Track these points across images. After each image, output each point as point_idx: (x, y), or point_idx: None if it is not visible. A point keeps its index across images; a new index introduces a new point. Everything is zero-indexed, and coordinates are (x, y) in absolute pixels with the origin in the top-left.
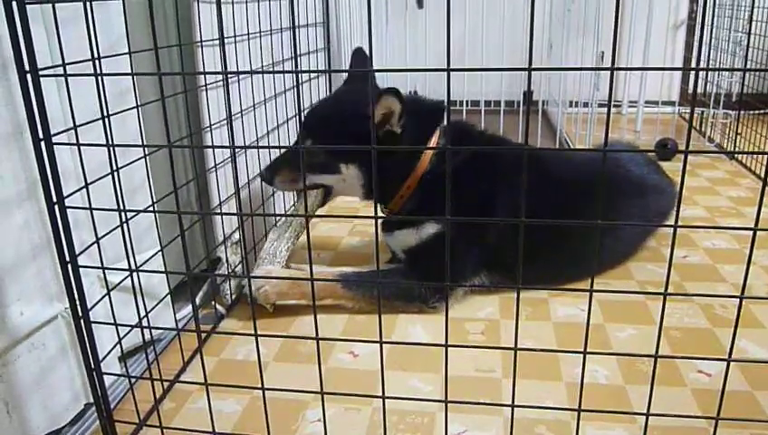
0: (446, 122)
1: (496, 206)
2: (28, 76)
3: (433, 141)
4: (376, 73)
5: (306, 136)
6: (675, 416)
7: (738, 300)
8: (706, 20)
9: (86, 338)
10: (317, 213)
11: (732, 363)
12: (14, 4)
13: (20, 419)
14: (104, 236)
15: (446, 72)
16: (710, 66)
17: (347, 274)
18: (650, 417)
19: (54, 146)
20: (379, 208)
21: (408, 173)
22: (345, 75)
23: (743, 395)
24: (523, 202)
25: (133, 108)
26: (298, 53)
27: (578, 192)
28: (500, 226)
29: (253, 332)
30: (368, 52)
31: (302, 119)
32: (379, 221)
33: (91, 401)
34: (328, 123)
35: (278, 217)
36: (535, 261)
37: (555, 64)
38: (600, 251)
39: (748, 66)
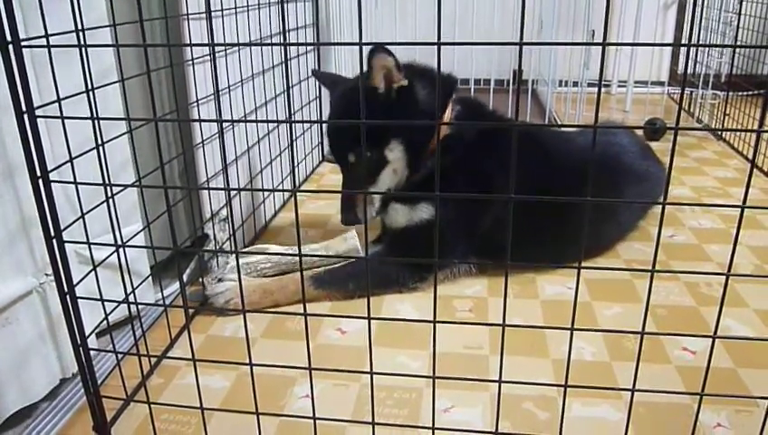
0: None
1: (503, 189)
2: (10, 47)
3: (448, 111)
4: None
5: (346, 153)
6: (660, 392)
7: (724, 278)
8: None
9: (72, 314)
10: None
11: (716, 341)
12: None
13: None
14: (89, 211)
15: (436, 46)
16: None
17: (318, 273)
18: (636, 393)
19: (38, 120)
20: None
21: (432, 133)
22: (336, 48)
23: (726, 372)
24: (512, 178)
25: (117, 81)
26: (286, 27)
27: (584, 177)
28: (498, 211)
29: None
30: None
31: (329, 144)
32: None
33: (68, 376)
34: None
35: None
36: (533, 244)
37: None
38: (599, 235)
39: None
